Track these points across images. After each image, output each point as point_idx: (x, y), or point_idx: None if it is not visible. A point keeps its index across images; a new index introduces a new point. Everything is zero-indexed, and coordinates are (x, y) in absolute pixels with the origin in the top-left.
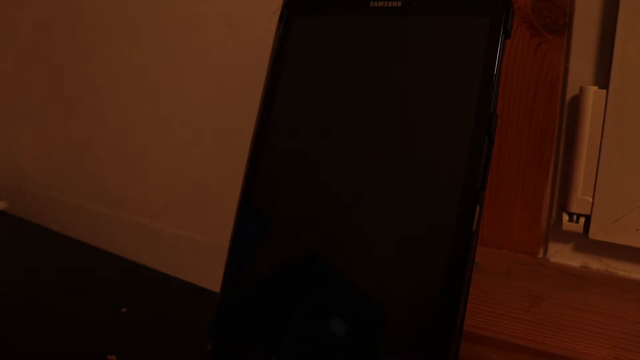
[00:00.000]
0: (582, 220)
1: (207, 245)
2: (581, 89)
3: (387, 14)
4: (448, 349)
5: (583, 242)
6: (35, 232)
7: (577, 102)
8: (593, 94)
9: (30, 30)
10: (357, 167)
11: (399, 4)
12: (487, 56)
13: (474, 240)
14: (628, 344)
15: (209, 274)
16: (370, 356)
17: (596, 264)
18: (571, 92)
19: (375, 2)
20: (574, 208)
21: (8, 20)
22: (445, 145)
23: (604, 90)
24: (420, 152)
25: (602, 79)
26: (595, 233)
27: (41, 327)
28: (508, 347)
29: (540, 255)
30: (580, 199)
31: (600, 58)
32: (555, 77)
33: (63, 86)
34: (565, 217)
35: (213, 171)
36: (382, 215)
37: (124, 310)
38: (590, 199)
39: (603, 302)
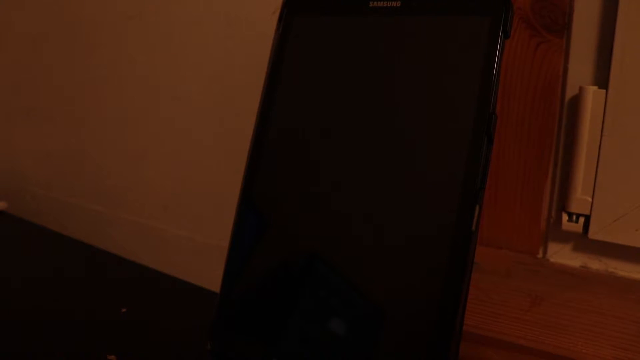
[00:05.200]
0: (581, 220)
1: (207, 245)
2: (580, 89)
3: (386, 14)
4: (448, 349)
5: (583, 242)
6: (35, 232)
7: (576, 102)
8: (592, 93)
9: (29, 30)
10: (356, 167)
11: (398, 4)
12: (486, 56)
13: (473, 240)
14: (628, 344)
15: (209, 274)
16: (370, 356)
17: (596, 264)
18: (571, 92)
19: (375, 2)
20: (574, 208)
21: (8, 20)
22: (444, 145)
23: (604, 90)
24: (419, 152)
25: (602, 79)
26: (594, 233)
27: (41, 327)
28: (508, 347)
29: (540, 255)
30: (579, 199)
31: (600, 58)
32: (555, 77)
33: (63, 86)
34: (565, 217)
35: (213, 171)
36: (382, 215)
37: (124, 310)
38: (590, 199)
39: (603, 302)
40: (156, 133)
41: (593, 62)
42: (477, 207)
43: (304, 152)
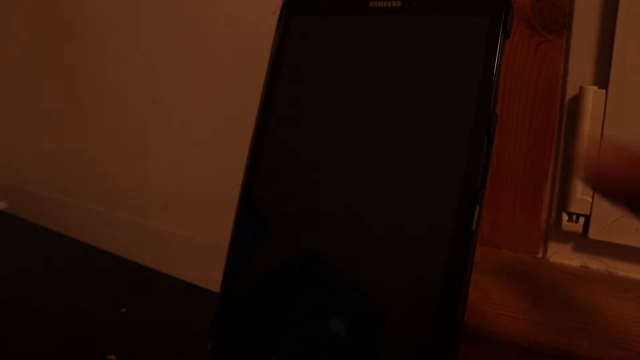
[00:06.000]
0: (581, 220)
1: (207, 245)
2: (581, 89)
3: (386, 14)
4: (448, 349)
5: (583, 242)
6: (35, 232)
7: (576, 102)
8: (593, 93)
9: (30, 30)
10: (356, 167)
11: (398, 4)
12: (486, 56)
13: (473, 240)
14: (628, 344)
15: (209, 274)
16: (370, 356)
17: (596, 264)
18: (571, 91)
19: (375, 2)
20: (574, 208)
21: (8, 20)
22: (444, 145)
23: (604, 90)
24: (419, 152)
25: (602, 79)
26: (594, 233)
27: (41, 327)
28: (508, 347)
29: (540, 255)
30: (579, 199)
31: (600, 58)
32: (555, 77)
33: (63, 86)
34: (565, 217)
35: (213, 171)
36: (382, 215)
37: (123, 310)
38: (590, 199)
39: (603, 302)
40: (156, 133)
41: (593, 62)
42: (477, 207)
43: (304, 153)
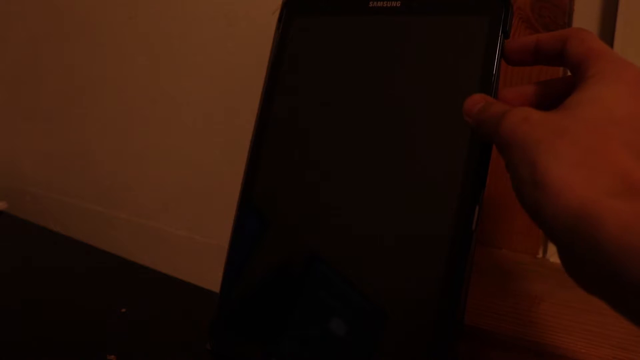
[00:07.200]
0: None
1: (207, 245)
2: None
3: (386, 14)
4: (447, 348)
5: None
6: (35, 232)
7: None
8: None
9: (30, 30)
10: (356, 167)
11: (398, 4)
12: (486, 56)
13: (473, 240)
14: (628, 344)
15: (209, 274)
16: (370, 355)
17: None
18: None
19: (374, 2)
20: None
21: (8, 20)
22: (444, 145)
23: None
24: (419, 152)
25: None
26: None
27: (41, 327)
28: (508, 347)
29: (540, 255)
30: None
31: None
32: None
33: (63, 86)
34: None
35: (213, 171)
36: (382, 215)
37: (123, 310)
38: None
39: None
40: (156, 133)
41: None
42: (477, 207)
43: (304, 153)
